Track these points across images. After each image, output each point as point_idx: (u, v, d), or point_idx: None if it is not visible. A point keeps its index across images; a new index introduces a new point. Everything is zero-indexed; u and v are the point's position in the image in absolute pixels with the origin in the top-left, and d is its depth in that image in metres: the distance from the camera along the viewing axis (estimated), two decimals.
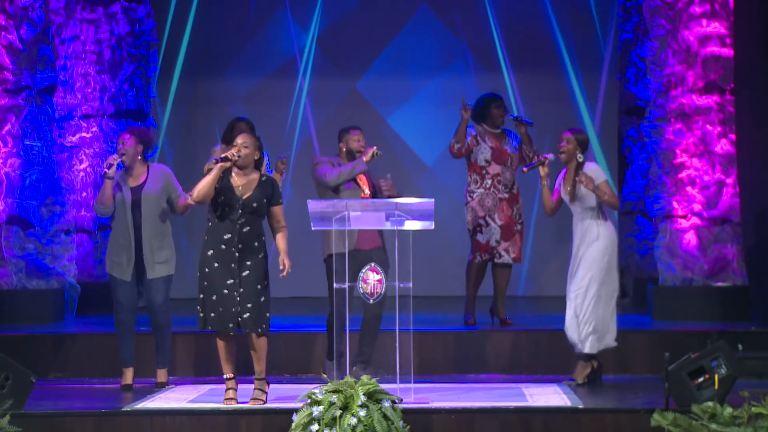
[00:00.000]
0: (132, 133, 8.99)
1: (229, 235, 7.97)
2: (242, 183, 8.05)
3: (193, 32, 13.84)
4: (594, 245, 8.73)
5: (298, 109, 13.93)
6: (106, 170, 8.74)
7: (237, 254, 7.97)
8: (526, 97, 13.75)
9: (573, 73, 13.75)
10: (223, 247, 7.98)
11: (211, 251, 7.99)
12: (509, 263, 10.32)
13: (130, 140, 8.91)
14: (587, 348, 8.67)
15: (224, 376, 8.09)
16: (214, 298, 7.96)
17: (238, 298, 7.95)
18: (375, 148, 9.08)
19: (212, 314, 7.99)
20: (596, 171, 8.80)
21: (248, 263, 7.98)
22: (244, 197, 8.01)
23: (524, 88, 13.77)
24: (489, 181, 10.24)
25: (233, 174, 8.04)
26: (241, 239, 7.98)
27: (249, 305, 7.95)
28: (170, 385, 8.99)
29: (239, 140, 8.06)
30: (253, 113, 13.68)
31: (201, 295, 8.03)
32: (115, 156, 8.82)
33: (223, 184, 8.01)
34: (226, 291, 7.95)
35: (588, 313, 8.66)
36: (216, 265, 7.97)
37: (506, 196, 10.26)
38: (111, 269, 8.90)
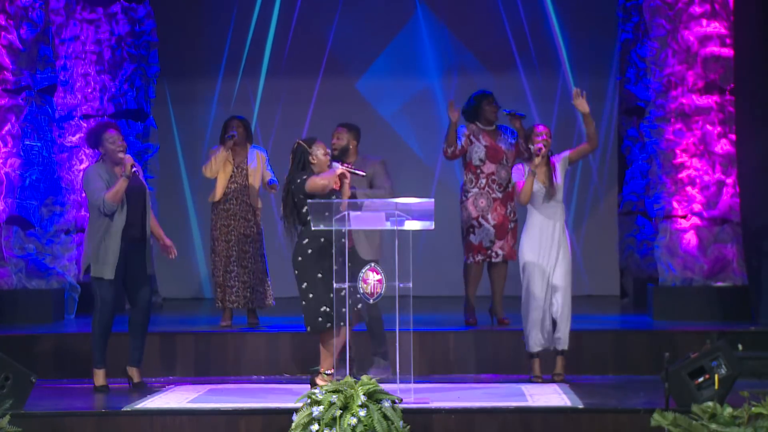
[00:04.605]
0: (118, 129, 8.82)
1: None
2: None
3: (194, 32, 13.85)
4: (566, 239, 8.88)
5: (297, 109, 13.93)
6: (134, 171, 8.60)
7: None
8: (525, 97, 13.75)
9: (573, 73, 13.76)
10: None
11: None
12: (504, 261, 10.29)
13: (123, 138, 8.79)
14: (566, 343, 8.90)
15: (329, 371, 8.18)
16: (332, 295, 8.18)
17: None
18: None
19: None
20: (562, 156, 9.00)
21: None
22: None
23: (524, 88, 13.77)
24: (483, 181, 10.21)
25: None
26: None
27: None
28: (170, 385, 8.97)
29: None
30: (253, 113, 13.75)
31: (310, 295, 8.24)
32: (129, 157, 8.68)
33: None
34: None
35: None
36: (328, 265, 8.20)
37: (500, 195, 10.22)
38: (101, 273, 8.58)
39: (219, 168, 10.36)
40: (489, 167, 10.21)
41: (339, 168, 8.36)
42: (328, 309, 8.18)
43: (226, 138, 10.37)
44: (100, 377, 8.73)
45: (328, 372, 8.21)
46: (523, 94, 13.76)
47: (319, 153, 8.36)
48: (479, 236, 10.20)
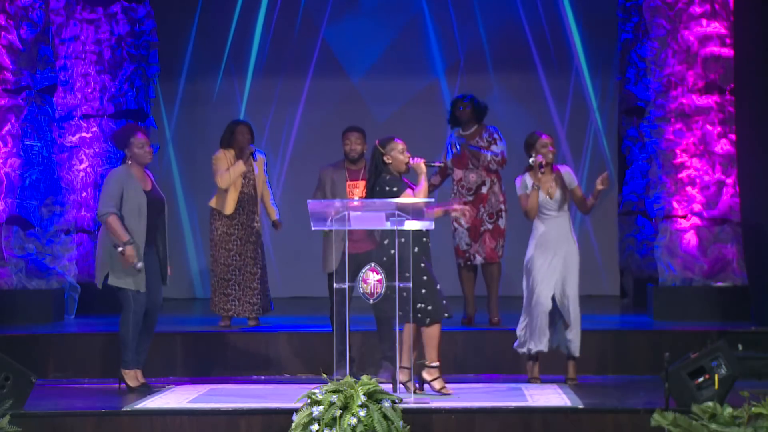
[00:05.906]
0: (145, 133, 8.73)
1: None
2: None
3: (195, 31, 13.85)
4: (575, 246, 8.82)
5: (297, 109, 13.93)
6: (138, 266, 8.46)
7: None
8: (526, 98, 13.75)
9: (573, 74, 13.75)
10: None
11: None
12: (488, 263, 10.27)
13: (149, 142, 8.73)
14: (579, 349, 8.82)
15: (434, 364, 8.21)
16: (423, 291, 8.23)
17: None
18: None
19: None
20: (571, 175, 8.87)
21: None
22: None
23: (523, 89, 13.77)
24: (455, 187, 10.30)
25: None
26: None
27: None
28: (170, 385, 8.97)
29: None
30: (254, 113, 13.75)
31: (423, 290, 8.21)
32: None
33: None
34: None
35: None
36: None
37: (471, 198, 10.24)
38: (129, 285, 8.54)
39: (234, 180, 10.26)
40: (457, 174, 10.30)
41: (422, 168, 8.33)
42: (423, 306, 8.17)
43: (251, 156, 10.23)
44: (133, 377, 8.62)
45: (434, 365, 8.22)
46: (523, 95, 13.75)
47: (394, 153, 8.35)
48: (457, 240, 10.35)
